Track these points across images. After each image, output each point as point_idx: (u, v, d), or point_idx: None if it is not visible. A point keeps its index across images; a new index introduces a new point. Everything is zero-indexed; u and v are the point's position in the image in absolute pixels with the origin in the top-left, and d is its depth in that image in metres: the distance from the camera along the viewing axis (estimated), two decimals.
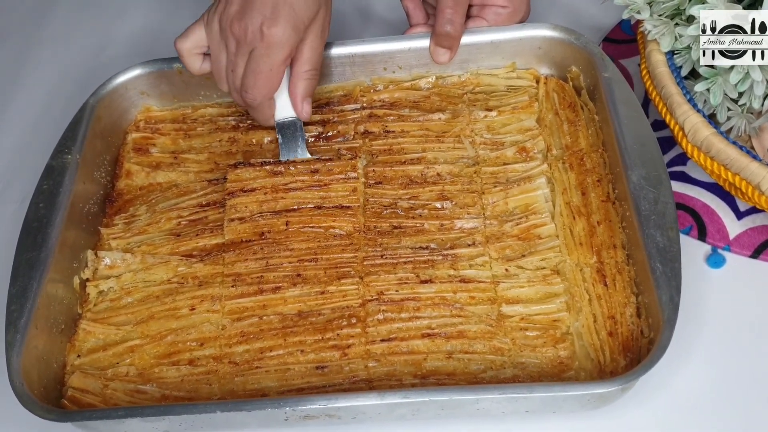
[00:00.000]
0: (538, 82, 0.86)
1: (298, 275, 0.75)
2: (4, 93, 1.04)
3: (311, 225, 0.77)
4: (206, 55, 0.80)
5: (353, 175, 0.79)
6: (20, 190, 0.91)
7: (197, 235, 0.79)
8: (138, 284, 0.77)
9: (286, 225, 0.77)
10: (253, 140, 0.86)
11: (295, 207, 0.78)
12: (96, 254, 0.78)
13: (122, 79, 0.87)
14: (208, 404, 0.65)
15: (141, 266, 0.77)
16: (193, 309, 0.74)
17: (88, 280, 0.77)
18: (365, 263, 0.75)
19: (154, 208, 0.82)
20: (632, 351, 0.68)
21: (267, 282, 0.75)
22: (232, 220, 0.78)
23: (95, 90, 0.86)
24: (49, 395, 0.69)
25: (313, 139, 0.84)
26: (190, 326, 0.73)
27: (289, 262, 0.75)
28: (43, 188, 0.78)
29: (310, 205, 0.78)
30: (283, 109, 0.81)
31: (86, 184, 0.81)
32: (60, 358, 0.73)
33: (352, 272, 0.74)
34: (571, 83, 0.85)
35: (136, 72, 0.87)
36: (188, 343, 0.73)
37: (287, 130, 0.81)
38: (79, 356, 0.73)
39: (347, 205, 0.78)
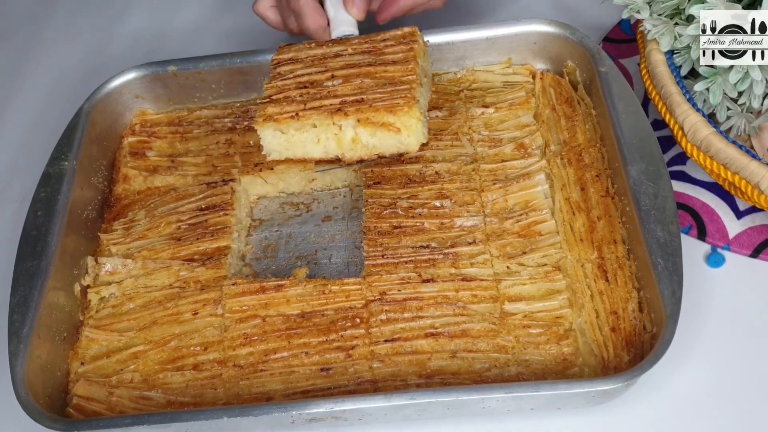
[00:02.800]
0: (534, 77, 0.86)
1: (339, 110, 0.68)
2: (4, 93, 1.04)
3: (359, 76, 0.70)
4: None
5: (413, 45, 0.72)
6: (20, 189, 0.91)
7: (198, 239, 0.78)
8: (139, 290, 0.77)
9: (332, 78, 0.71)
10: (251, 142, 0.85)
11: (345, 65, 0.72)
12: (96, 261, 0.78)
13: (116, 83, 0.87)
14: (214, 410, 0.65)
15: (142, 271, 0.77)
16: (196, 313, 0.74)
17: (89, 286, 0.77)
18: (366, 263, 0.74)
19: (153, 213, 0.81)
20: (635, 346, 0.68)
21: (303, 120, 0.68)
22: (275, 77, 0.73)
23: (90, 95, 0.85)
24: (53, 404, 0.70)
25: None
26: (193, 331, 0.73)
27: (330, 104, 0.69)
28: (40, 196, 0.78)
29: (361, 64, 0.72)
30: (340, 25, 0.77)
31: (84, 190, 0.81)
32: (63, 366, 0.73)
33: (406, 108, 0.67)
34: (567, 78, 0.85)
35: (130, 75, 0.87)
36: (192, 348, 0.73)
37: None
38: (82, 364, 0.73)
39: (404, 60, 0.71)
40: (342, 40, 0.76)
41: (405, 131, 0.68)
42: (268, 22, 0.84)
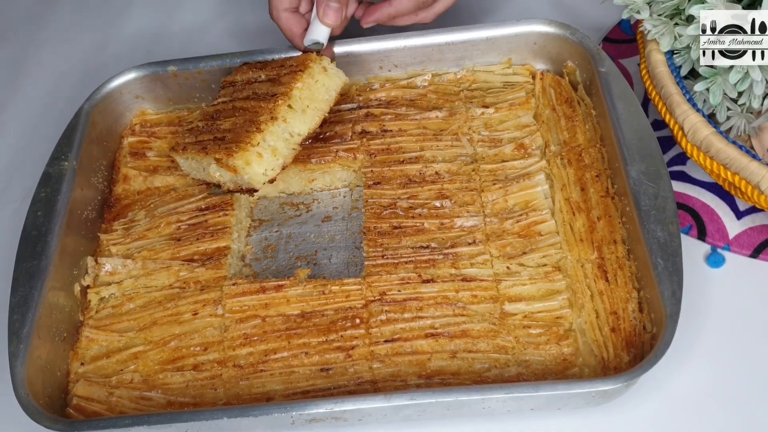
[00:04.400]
0: (534, 77, 0.86)
1: (203, 149, 0.75)
2: (4, 93, 1.04)
3: (242, 111, 0.76)
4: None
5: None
6: (20, 189, 0.91)
7: (198, 239, 0.78)
8: (139, 290, 0.77)
9: (232, 109, 0.78)
10: None
11: (247, 96, 0.78)
12: (96, 261, 0.78)
13: (116, 83, 0.87)
14: (214, 410, 0.65)
15: (142, 272, 0.77)
16: (196, 314, 0.74)
17: (89, 287, 0.77)
18: (366, 263, 0.74)
19: (153, 213, 0.81)
20: (635, 346, 0.68)
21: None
22: (215, 99, 0.82)
23: (90, 95, 0.85)
24: (53, 404, 0.70)
25: (309, 141, 0.83)
26: (193, 331, 0.73)
27: (207, 139, 0.76)
28: (40, 196, 0.78)
29: (255, 97, 0.78)
30: (311, 33, 0.80)
31: (84, 190, 0.81)
32: (63, 366, 0.73)
33: (238, 152, 0.72)
34: (567, 78, 0.85)
35: (130, 76, 0.87)
36: (192, 348, 0.73)
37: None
38: (82, 364, 0.73)
39: (279, 94, 0.75)
40: (264, 64, 0.81)
41: (242, 171, 0.73)
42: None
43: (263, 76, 0.79)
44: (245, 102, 0.77)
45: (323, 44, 0.80)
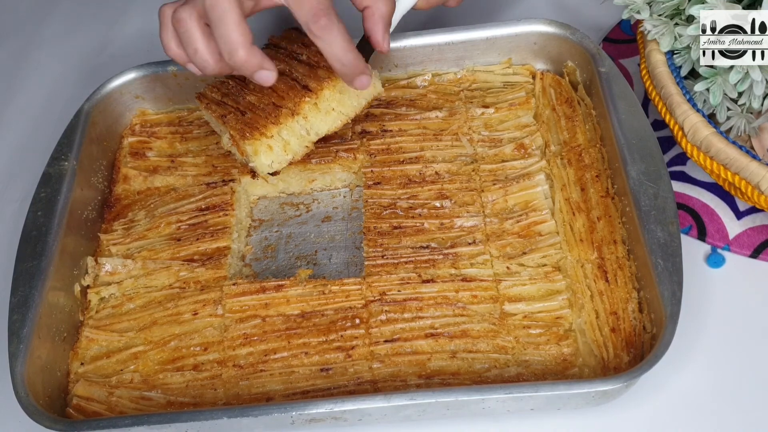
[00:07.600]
0: (534, 77, 0.86)
1: (222, 115, 0.75)
2: (4, 93, 1.03)
3: (271, 90, 0.75)
4: None
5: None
6: (20, 189, 0.91)
7: (198, 239, 0.78)
8: (139, 290, 0.77)
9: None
10: None
11: (282, 71, 0.75)
12: (96, 261, 0.78)
13: (116, 83, 0.87)
14: (214, 411, 0.65)
15: (142, 272, 0.77)
16: (196, 314, 0.74)
17: (89, 287, 0.77)
18: (366, 263, 0.74)
19: (153, 213, 0.81)
20: (635, 347, 0.68)
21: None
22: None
23: (90, 95, 0.85)
24: (53, 404, 0.70)
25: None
26: (193, 331, 0.73)
27: (231, 105, 0.75)
28: (40, 196, 0.77)
29: (289, 74, 0.76)
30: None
31: (84, 190, 0.81)
32: (63, 366, 0.73)
33: (250, 139, 0.72)
34: (567, 78, 0.85)
35: (130, 76, 0.87)
36: (192, 348, 0.73)
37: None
38: (82, 364, 0.73)
39: (309, 88, 0.74)
40: (311, 42, 0.73)
41: (252, 156, 0.73)
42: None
43: (304, 56, 0.77)
44: (279, 78, 0.73)
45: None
